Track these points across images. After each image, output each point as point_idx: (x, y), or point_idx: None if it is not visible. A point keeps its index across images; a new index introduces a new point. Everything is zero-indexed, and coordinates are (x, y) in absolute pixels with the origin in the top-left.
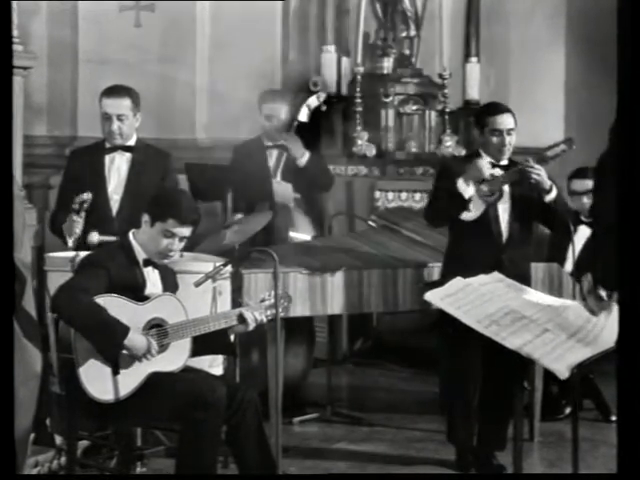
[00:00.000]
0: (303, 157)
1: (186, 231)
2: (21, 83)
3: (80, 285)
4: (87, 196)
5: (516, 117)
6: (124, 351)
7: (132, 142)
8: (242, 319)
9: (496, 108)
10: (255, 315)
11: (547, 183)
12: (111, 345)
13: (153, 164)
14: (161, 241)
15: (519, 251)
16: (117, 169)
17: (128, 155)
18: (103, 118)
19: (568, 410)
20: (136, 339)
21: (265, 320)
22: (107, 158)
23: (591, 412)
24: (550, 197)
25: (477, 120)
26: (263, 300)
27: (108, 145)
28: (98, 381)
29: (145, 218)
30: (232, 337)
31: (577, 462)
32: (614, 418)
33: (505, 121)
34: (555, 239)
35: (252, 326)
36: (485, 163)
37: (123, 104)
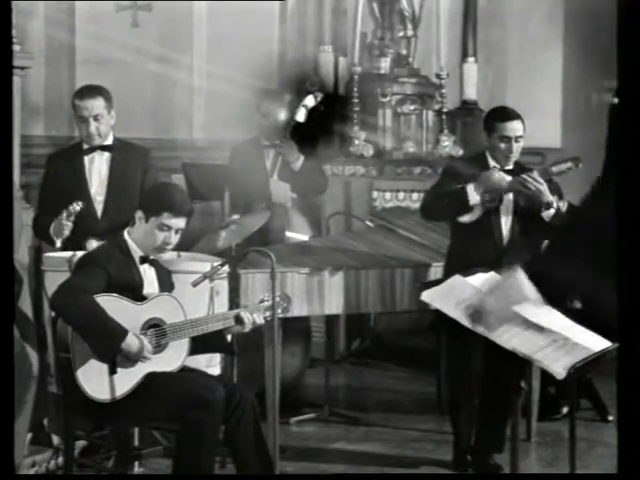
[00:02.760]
0: (297, 161)
1: (181, 222)
2: (18, 83)
3: (79, 284)
4: (78, 207)
5: (524, 122)
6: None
7: (109, 141)
8: (239, 320)
9: (506, 114)
10: (253, 316)
11: (548, 198)
12: (108, 348)
13: (133, 161)
14: (158, 235)
15: (519, 255)
16: (97, 170)
17: (107, 154)
18: (79, 121)
19: (565, 410)
20: (133, 343)
21: (263, 321)
22: (86, 159)
23: (588, 412)
24: (549, 212)
25: (486, 124)
26: (262, 301)
27: (86, 146)
28: (95, 380)
29: (139, 215)
30: (229, 337)
31: (574, 462)
32: (611, 418)
33: (514, 128)
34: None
35: (249, 327)
36: (502, 176)
37: (97, 104)
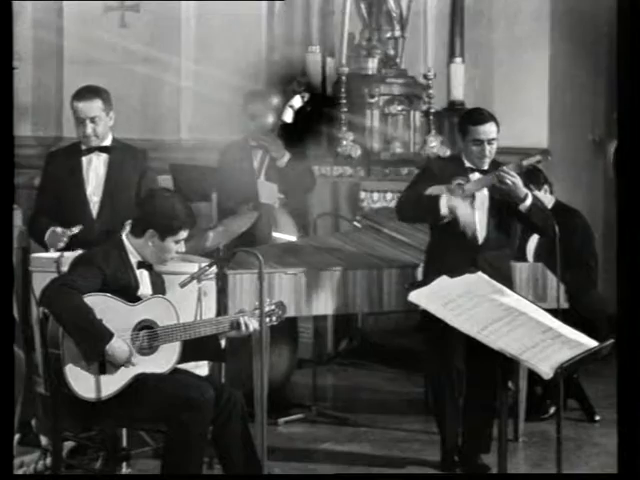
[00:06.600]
0: (283, 158)
1: (187, 233)
2: None
3: (72, 282)
4: (77, 230)
5: (499, 123)
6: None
7: (108, 142)
8: (235, 325)
9: (479, 117)
10: (252, 322)
11: (522, 191)
12: (93, 348)
13: (130, 163)
14: (172, 248)
15: (496, 253)
16: (95, 170)
17: (105, 156)
18: (77, 122)
19: (552, 410)
20: (117, 347)
21: (258, 327)
22: (84, 160)
23: (575, 412)
24: (524, 205)
25: (459, 127)
26: (257, 308)
27: (84, 147)
28: (83, 378)
29: (150, 233)
30: (223, 342)
31: (561, 462)
32: (598, 418)
33: (487, 131)
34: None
35: (245, 332)
36: (474, 186)
37: (94, 106)
